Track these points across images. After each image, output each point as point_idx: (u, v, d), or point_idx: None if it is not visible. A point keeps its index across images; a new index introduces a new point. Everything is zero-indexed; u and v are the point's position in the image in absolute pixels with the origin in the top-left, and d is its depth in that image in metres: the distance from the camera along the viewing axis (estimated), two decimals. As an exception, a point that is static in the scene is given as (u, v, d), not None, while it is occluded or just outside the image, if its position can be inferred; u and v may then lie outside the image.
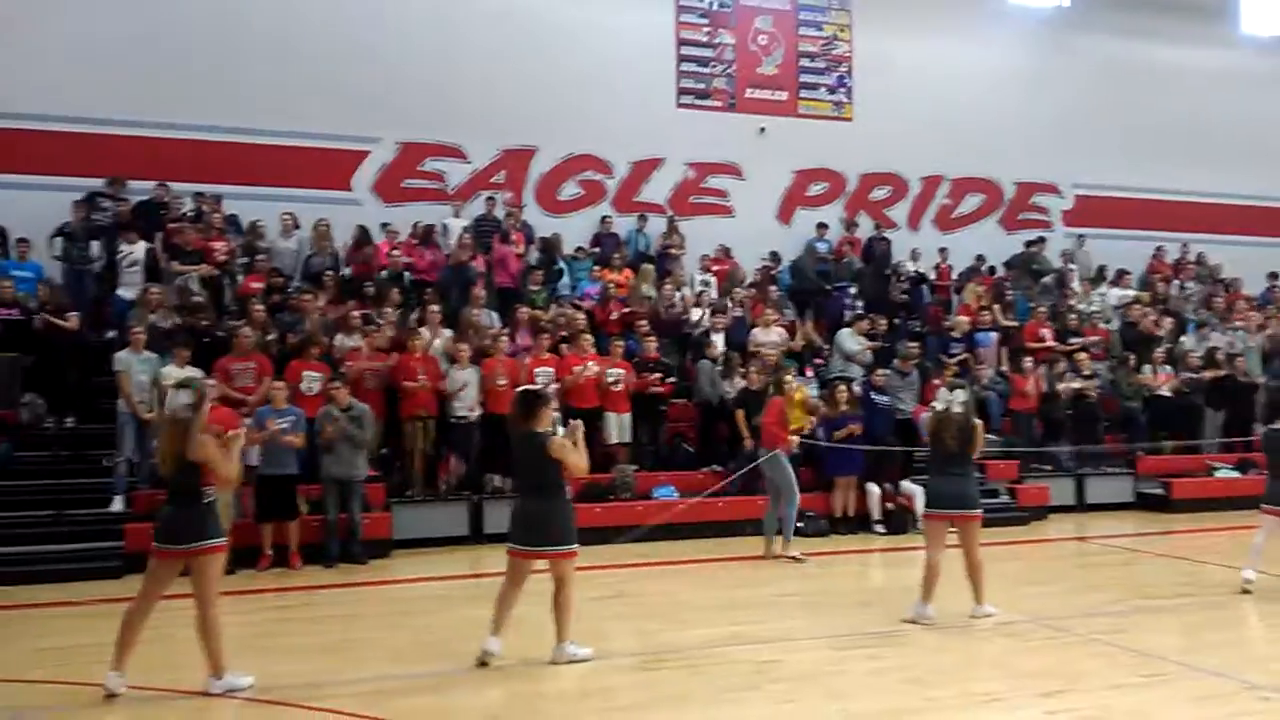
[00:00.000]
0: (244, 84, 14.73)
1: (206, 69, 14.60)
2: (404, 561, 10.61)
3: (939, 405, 7.65)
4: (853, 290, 15.41)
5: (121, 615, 5.98)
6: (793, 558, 10.25)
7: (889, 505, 12.25)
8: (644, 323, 13.31)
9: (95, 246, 12.85)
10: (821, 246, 16.78)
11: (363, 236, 14.10)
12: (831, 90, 18.23)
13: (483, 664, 6.49)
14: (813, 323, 15.07)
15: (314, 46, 15.16)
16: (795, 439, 10.94)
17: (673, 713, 5.65)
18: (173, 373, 9.91)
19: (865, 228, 17.74)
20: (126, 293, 12.52)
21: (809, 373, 13.70)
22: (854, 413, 12.36)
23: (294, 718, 5.65)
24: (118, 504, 10.31)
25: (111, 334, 12.47)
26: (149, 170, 13.96)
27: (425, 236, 14.40)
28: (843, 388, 12.49)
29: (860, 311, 14.82)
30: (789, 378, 11.86)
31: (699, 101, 17.44)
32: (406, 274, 13.85)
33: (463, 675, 6.44)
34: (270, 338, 11.53)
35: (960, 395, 7.69)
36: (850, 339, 13.97)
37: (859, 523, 12.22)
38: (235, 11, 14.94)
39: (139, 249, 12.71)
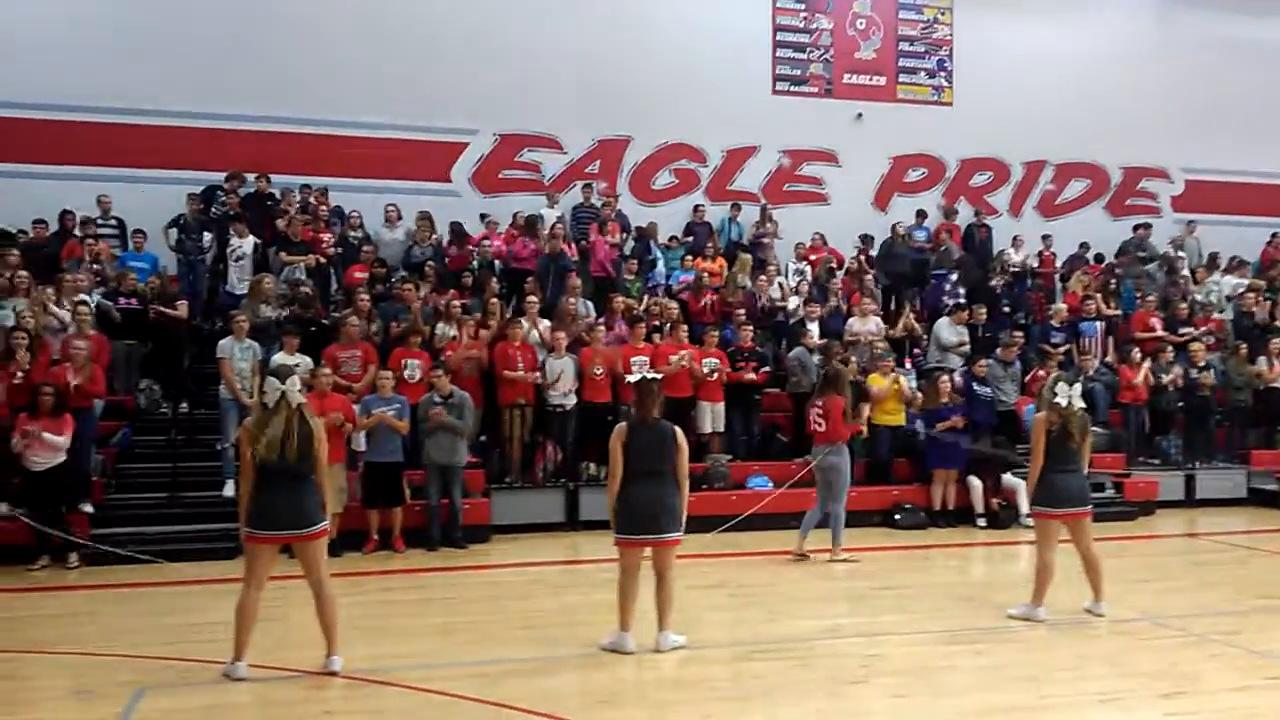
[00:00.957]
0: (346, 78, 15.11)
1: (310, 64, 15.01)
2: (503, 546, 10.75)
3: (1061, 400, 7.33)
4: (954, 278, 15.08)
5: (236, 609, 6.09)
6: (843, 560, 9.76)
7: (994, 501, 11.95)
8: (741, 312, 13.22)
9: (207, 238, 13.29)
10: (919, 234, 16.49)
11: (456, 234, 14.29)
12: (931, 74, 17.89)
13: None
14: (912, 312, 14.77)
15: (413, 40, 15.46)
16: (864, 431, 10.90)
17: (780, 704, 5.61)
18: (283, 360, 10.19)
19: (964, 215, 17.39)
20: (235, 284, 12.93)
21: (908, 363, 13.48)
22: (956, 404, 12.11)
23: (406, 698, 5.76)
24: (229, 488, 10.64)
25: (221, 323, 12.90)
26: (256, 163, 14.39)
27: (529, 227, 14.51)
28: (945, 379, 12.25)
29: (959, 300, 14.50)
30: (879, 374, 11.78)
31: (795, 88, 17.30)
32: (498, 263, 14.02)
33: (567, 660, 6.52)
34: (374, 327, 11.78)
35: (1078, 389, 7.47)
36: (948, 329, 13.68)
37: (958, 516, 11.98)
38: (336, 8, 15.28)
39: (248, 243, 13.09)
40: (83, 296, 11.13)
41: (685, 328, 12.63)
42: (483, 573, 9.69)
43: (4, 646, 6.87)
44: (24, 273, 11.41)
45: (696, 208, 16.28)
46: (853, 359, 12.25)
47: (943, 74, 17.94)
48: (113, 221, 13.59)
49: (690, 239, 15.69)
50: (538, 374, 11.63)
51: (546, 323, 12.41)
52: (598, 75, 16.06)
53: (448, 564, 9.93)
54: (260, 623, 6.19)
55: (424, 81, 15.35)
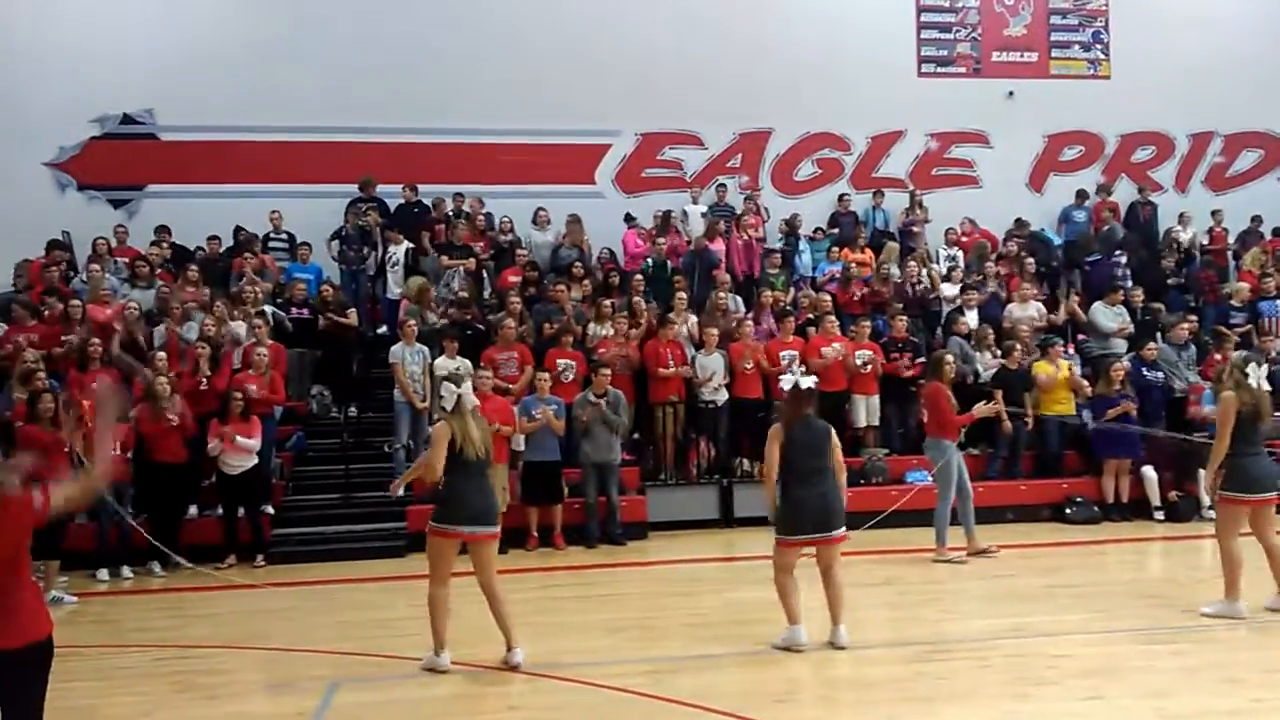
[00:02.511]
0: (493, 89, 15.37)
1: (459, 78, 15.37)
2: (661, 543, 10.81)
3: (1252, 381, 6.95)
4: (1123, 260, 14.34)
5: (429, 603, 6.25)
6: (946, 560, 9.31)
7: (1172, 492, 11.32)
8: (898, 304, 12.90)
9: (366, 248, 13.80)
10: (1079, 215, 15.80)
11: (612, 255, 14.46)
12: (1086, 47, 17.09)
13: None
14: (1077, 296, 14.09)
15: (554, 46, 15.62)
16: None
17: (966, 705, 5.42)
18: (445, 364, 10.52)
19: (1125, 192, 16.56)
20: (392, 290, 13.41)
21: (1072, 349, 12.92)
22: (1127, 391, 11.53)
23: (583, 694, 5.81)
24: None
25: (382, 329, 13.38)
26: (408, 174, 14.83)
27: (664, 224, 14.58)
28: (1118, 365, 11.68)
29: (1119, 282, 13.77)
30: (1046, 361, 11.22)
31: (941, 69, 16.81)
32: (649, 261, 14.06)
33: (736, 657, 6.47)
34: (525, 328, 12.01)
35: (1264, 370, 7.05)
36: (1103, 313, 13.00)
37: (1133, 509, 11.41)
38: (482, 22, 15.58)
39: (400, 249, 13.56)
40: (260, 308, 11.73)
41: (835, 320, 12.43)
42: (643, 569, 9.76)
43: (204, 641, 7.29)
44: (203, 288, 12.10)
45: (841, 197, 16.00)
46: (1016, 348, 11.81)
47: (1099, 46, 17.10)
48: (284, 236, 14.25)
49: (835, 230, 15.44)
50: (688, 368, 11.66)
51: (694, 319, 12.41)
52: (737, 68, 15.92)
53: (608, 560, 10.06)
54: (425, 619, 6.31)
55: (566, 86, 15.50)
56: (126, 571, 9.70)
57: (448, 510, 6.20)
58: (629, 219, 14.98)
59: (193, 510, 10.44)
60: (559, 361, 11.28)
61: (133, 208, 15.11)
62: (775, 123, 16.32)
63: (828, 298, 13.01)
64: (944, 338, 12.90)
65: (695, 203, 15.32)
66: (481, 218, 14.31)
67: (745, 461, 11.74)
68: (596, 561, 10.04)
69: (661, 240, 14.05)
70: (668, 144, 16.20)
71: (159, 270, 12.96)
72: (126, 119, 15.11)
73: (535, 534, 10.57)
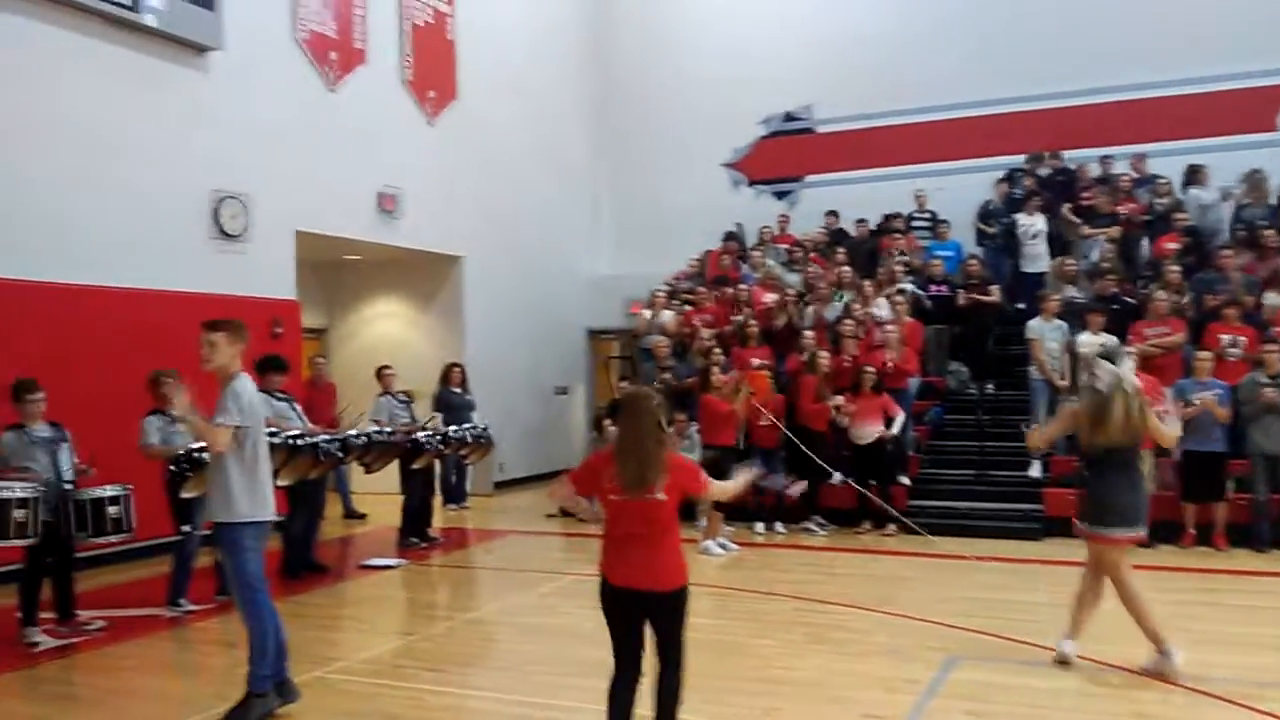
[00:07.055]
0: (1138, 38, 14.04)
1: (1100, 31, 14.31)
2: (1359, 555, 9.07)
3: None
4: None
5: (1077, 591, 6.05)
6: None
7: None
8: None
9: (1007, 221, 13.49)
10: None
11: None
12: None
13: None
14: None
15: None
16: None
17: None
18: (1088, 340, 9.92)
19: None
20: (1027, 263, 12.93)
21: None
22: None
23: (1230, 714, 5.14)
24: (1035, 469, 10.71)
25: (1021, 305, 12.99)
26: (1055, 140, 14.19)
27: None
28: None
29: None
30: None
31: None
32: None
33: None
34: (1184, 300, 10.82)
35: None
36: None
37: None
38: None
39: (1038, 221, 12.99)
40: (900, 286, 12.16)
41: None
42: (1331, 585, 8.28)
43: (836, 599, 7.81)
44: (848, 269, 12.89)
45: None
46: None
47: None
48: (926, 214, 14.54)
49: None
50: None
51: None
52: None
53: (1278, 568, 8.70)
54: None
55: (1233, 22, 13.51)
56: (780, 527, 10.76)
57: (1090, 509, 5.84)
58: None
59: (837, 477, 11.17)
60: (1221, 336, 9.98)
61: (793, 198, 16.55)
62: None
63: None
64: None
65: None
66: (1127, 179, 13.09)
67: None
68: (1266, 568, 8.73)
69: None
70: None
71: (812, 254, 14.04)
72: (789, 117, 16.55)
73: (1193, 531, 9.53)
